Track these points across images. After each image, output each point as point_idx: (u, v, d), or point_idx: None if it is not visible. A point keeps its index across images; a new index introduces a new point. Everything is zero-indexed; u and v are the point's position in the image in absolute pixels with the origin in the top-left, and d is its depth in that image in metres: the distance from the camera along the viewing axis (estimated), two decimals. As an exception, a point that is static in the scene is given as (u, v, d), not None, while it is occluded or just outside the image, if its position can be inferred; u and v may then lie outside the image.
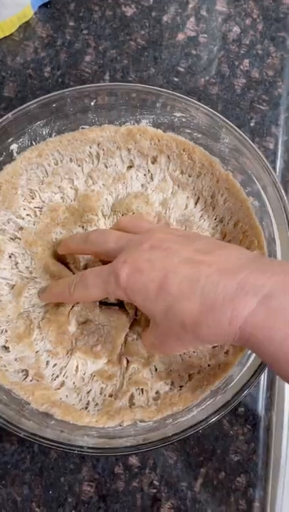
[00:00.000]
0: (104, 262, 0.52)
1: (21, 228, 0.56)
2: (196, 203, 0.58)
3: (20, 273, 0.55)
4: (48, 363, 0.53)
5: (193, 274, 0.42)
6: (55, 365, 0.53)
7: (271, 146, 0.65)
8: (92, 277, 0.48)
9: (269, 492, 0.57)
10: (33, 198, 0.57)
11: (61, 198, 0.58)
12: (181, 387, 0.53)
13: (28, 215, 0.57)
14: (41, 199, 0.57)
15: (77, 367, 0.53)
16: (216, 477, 0.57)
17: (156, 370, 0.54)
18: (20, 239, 0.56)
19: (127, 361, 0.54)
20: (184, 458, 0.57)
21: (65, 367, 0.53)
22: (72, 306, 0.54)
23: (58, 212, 0.57)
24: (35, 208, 0.57)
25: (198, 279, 0.42)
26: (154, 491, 0.56)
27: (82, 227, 0.57)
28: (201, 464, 0.57)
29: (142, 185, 0.59)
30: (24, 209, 0.57)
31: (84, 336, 0.53)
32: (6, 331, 0.53)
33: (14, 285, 0.55)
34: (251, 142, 0.53)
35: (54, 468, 0.56)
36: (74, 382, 0.53)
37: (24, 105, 0.55)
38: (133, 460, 0.57)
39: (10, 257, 0.56)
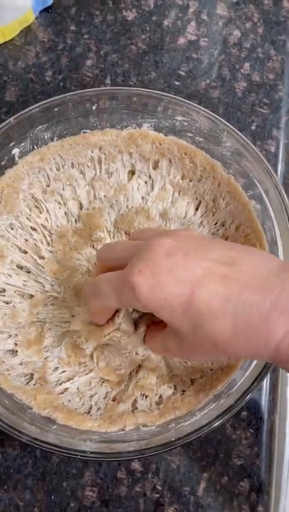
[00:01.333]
0: None
1: (43, 258, 0.56)
2: (196, 208, 0.58)
3: (47, 292, 0.55)
4: (56, 368, 0.53)
5: (223, 292, 0.39)
6: (63, 372, 0.53)
7: (272, 149, 0.65)
8: (104, 285, 0.44)
9: (272, 496, 0.57)
10: (40, 212, 0.57)
11: (65, 213, 0.58)
12: (183, 391, 0.53)
13: (34, 229, 0.57)
14: (48, 212, 0.57)
15: (88, 374, 0.53)
16: (219, 482, 0.57)
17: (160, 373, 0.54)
18: (42, 266, 0.56)
19: (138, 366, 0.54)
20: (187, 462, 0.57)
21: (74, 377, 0.53)
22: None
23: (67, 237, 0.57)
24: (42, 225, 0.57)
25: (228, 297, 0.39)
26: (157, 495, 0.56)
27: (93, 246, 0.57)
28: (204, 469, 0.57)
29: (142, 198, 0.58)
30: (28, 220, 0.57)
31: (105, 357, 0.52)
32: (17, 335, 0.53)
33: (31, 295, 0.55)
34: (253, 146, 0.54)
35: (56, 473, 0.56)
36: (78, 388, 0.53)
37: (26, 109, 0.55)
38: (136, 465, 0.57)
39: (21, 268, 0.56)
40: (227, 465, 0.57)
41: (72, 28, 0.67)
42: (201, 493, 0.56)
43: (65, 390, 0.53)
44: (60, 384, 0.53)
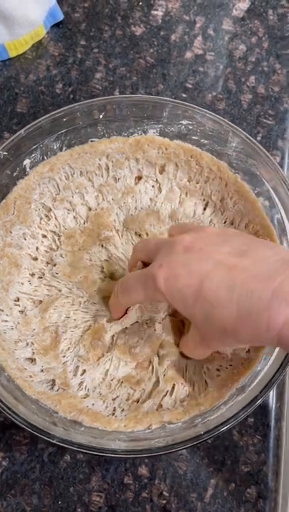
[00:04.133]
0: None
1: (55, 264, 0.57)
2: (204, 208, 0.59)
3: (65, 295, 0.56)
4: (77, 368, 0.54)
5: (228, 281, 0.42)
6: (84, 372, 0.54)
7: (278, 159, 0.66)
8: (132, 281, 0.49)
9: (280, 503, 0.56)
10: (49, 219, 0.58)
11: (74, 217, 0.59)
12: (206, 388, 0.53)
13: (44, 236, 0.58)
14: (56, 219, 0.58)
15: (106, 371, 0.54)
16: (226, 488, 0.57)
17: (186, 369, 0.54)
18: (56, 272, 0.57)
19: (159, 357, 0.54)
20: (194, 469, 0.57)
21: (93, 374, 0.54)
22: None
23: (75, 237, 0.58)
24: (51, 231, 0.58)
25: (233, 285, 0.42)
26: (164, 502, 0.56)
27: (102, 245, 0.58)
28: (211, 475, 0.57)
29: (151, 200, 0.60)
30: (40, 228, 0.58)
31: (125, 335, 0.54)
32: (33, 344, 0.54)
33: (41, 301, 0.56)
34: (258, 143, 0.55)
35: (63, 478, 0.56)
36: (100, 392, 0.53)
37: (36, 121, 0.56)
38: (143, 470, 0.56)
39: (33, 275, 0.57)
40: (234, 472, 0.57)
41: (82, 42, 0.69)
42: (208, 500, 0.56)
43: (87, 395, 0.53)
44: (83, 388, 0.53)
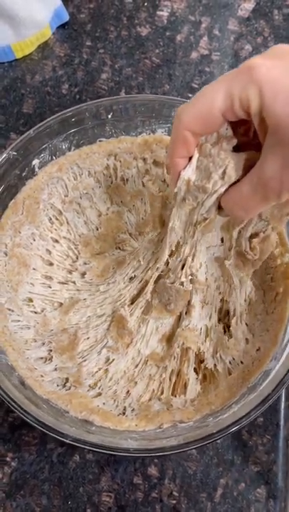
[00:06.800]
0: None
1: (84, 273, 0.58)
2: None
3: (102, 292, 0.57)
4: (107, 359, 0.54)
5: None
6: (112, 361, 0.54)
7: (285, 158, 0.66)
8: (210, 85, 0.39)
9: (290, 503, 0.56)
10: (61, 224, 0.59)
11: (85, 222, 0.59)
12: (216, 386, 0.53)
13: (56, 241, 0.58)
14: (68, 223, 0.59)
15: (138, 352, 0.54)
16: (236, 488, 0.56)
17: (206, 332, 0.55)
18: (90, 278, 0.58)
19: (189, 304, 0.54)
20: (203, 469, 0.57)
21: (119, 364, 0.54)
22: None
23: (91, 244, 0.59)
24: (64, 237, 0.59)
25: None
26: (174, 502, 0.56)
27: (119, 248, 0.59)
28: (220, 475, 0.57)
29: None
30: (50, 231, 0.58)
31: (157, 294, 0.54)
32: (50, 342, 0.54)
33: (61, 303, 0.57)
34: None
35: (73, 479, 0.56)
36: (115, 391, 0.54)
37: (44, 121, 0.56)
38: (152, 470, 0.56)
39: (50, 278, 0.57)
40: (244, 471, 0.57)
41: (88, 43, 0.69)
42: (218, 500, 0.56)
43: (99, 394, 0.53)
44: (96, 387, 0.54)
